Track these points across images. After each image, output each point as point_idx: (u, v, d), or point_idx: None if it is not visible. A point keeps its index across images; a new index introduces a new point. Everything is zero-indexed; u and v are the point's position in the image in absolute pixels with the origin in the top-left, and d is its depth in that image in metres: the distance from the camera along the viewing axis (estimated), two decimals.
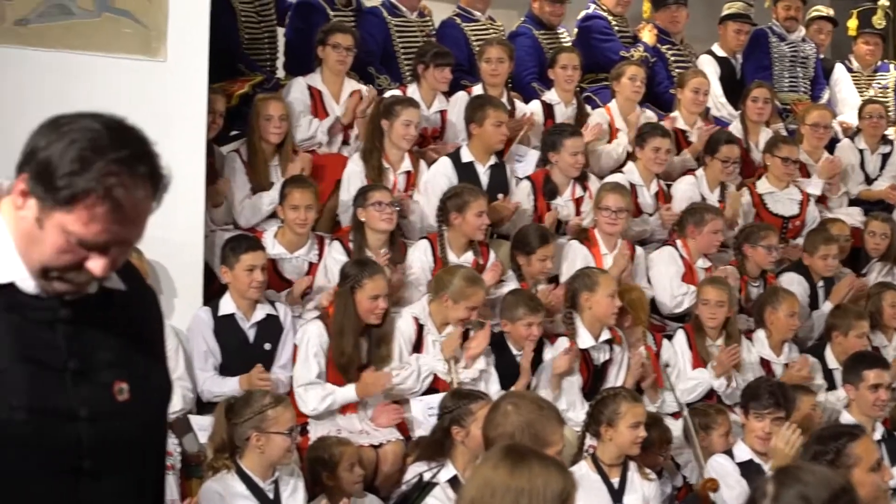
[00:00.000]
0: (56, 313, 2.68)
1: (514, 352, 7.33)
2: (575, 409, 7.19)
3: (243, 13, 8.95)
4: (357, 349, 7.00)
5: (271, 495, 5.87)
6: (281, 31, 9.41)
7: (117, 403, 2.72)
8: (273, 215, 7.88)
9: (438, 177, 8.25)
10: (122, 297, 2.82)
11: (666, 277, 8.33)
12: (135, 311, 2.86)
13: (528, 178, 8.64)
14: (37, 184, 2.56)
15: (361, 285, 6.96)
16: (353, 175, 8.10)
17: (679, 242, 8.49)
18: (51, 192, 2.54)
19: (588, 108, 9.51)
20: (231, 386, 6.82)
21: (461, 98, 8.91)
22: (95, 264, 2.61)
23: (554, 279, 8.12)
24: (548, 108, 9.25)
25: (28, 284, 2.66)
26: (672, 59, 10.46)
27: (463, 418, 6.17)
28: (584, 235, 8.26)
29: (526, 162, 8.88)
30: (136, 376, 2.77)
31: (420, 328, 7.25)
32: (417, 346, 7.23)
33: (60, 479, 2.63)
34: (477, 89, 8.96)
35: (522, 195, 8.51)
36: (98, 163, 2.52)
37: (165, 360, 3.02)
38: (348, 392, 6.91)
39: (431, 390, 7.10)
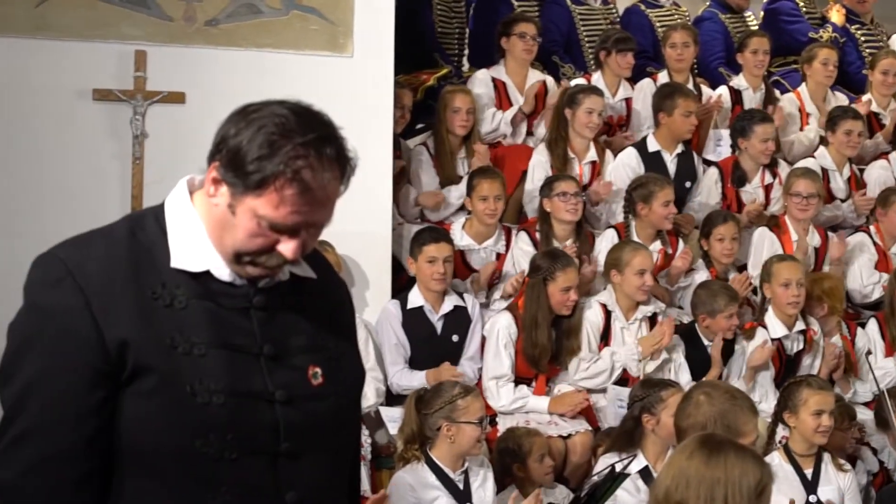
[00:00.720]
0: (250, 300, 2.74)
1: (705, 342, 7.24)
2: (767, 400, 7.07)
3: (438, 6, 9.03)
4: (548, 340, 7.00)
5: (461, 486, 5.86)
6: None
7: (312, 387, 2.77)
8: (460, 208, 7.91)
9: (624, 167, 8.19)
10: (312, 284, 2.88)
11: (857, 266, 8.14)
12: (326, 299, 2.91)
13: (716, 164, 8.52)
14: (227, 170, 2.63)
15: (554, 277, 6.94)
16: (539, 165, 8.08)
17: (872, 229, 8.29)
18: (241, 178, 2.60)
19: (777, 92, 9.32)
20: (419, 380, 6.85)
21: (646, 85, 8.83)
22: (286, 247, 2.66)
23: (743, 267, 8.00)
24: (736, 94, 9.10)
25: (222, 272, 2.72)
26: (862, 39, 10.20)
27: (654, 406, 6.13)
28: (773, 222, 8.11)
29: (724, 146, 8.74)
30: (330, 361, 2.82)
31: (608, 316, 7.21)
32: (606, 335, 7.19)
33: (259, 461, 2.68)
34: (662, 76, 8.88)
35: (710, 182, 8.40)
36: (286, 146, 2.57)
37: (357, 347, 3.06)
38: (541, 403, 6.90)
39: (619, 381, 7.07)
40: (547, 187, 7.61)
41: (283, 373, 2.74)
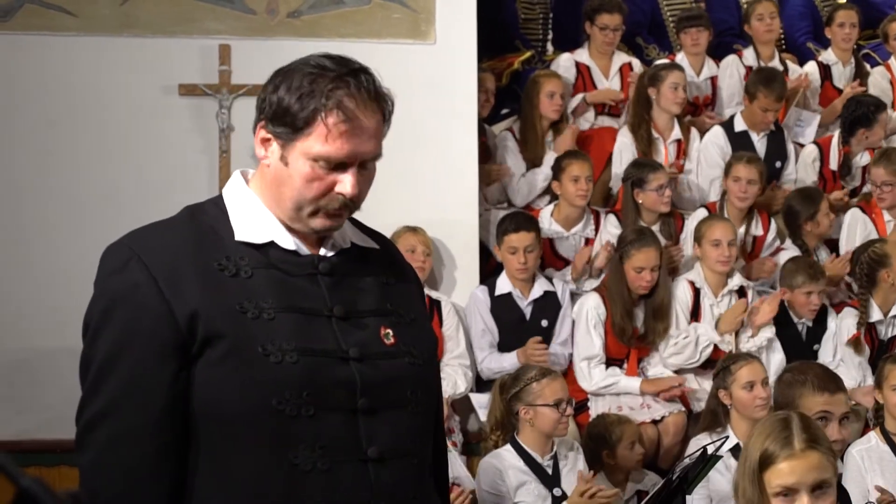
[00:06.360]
0: (315, 267, 2.78)
1: (795, 319, 7.17)
2: (865, 384, 6.96)
3: None
4: (630, 318, 6.95)
5: (550, 471, 5.83)
6: None
7: (385, 346, 2.79)
8: (545, 192, 7.88)
9: (712, 145, 8.12)
10: (376, 255, 2.92)
11: None
12: (389, 266, 2.94)
13: (815, 143, 8.40)
14: (274, 123, 2.71)
15: (629, 255, 6.91)
16: (624, 148, 8.03)
17: None
18: (288, 124, 2.69)
19: (867, 66, 9.16)
20: (510, 361, 6.84)
21: (732, 62, 8.75)
22: (344, 185, 2.71)
23: (834, 248, 7.89)
24: (824, 69, 8.96)
25: (286, 241, 2.77)
26: None
27: (725, 381, 6.11)
28: (866, 199, 7.98)
29: (808, 127, 8.63)
30: (400, 325, 2.84)
31: (696, 293, 7.16)
32: (696, 312, 7.15)
33: (338, 417, 2.69)
34: (748, 52, 8.78)
35: (807, 160, 8.28)
36: (324, 81, 2.66)
37: (427, 317, 3.09)
38: (632, 384, 6.87)
39: (711, 362, 7.00)
40: (640, 179, 7.54)
41: (355, 332, 2.76)
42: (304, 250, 2.79)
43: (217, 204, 2.83)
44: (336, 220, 2.77)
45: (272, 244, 2.76)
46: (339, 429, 2.69)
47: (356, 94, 2.67)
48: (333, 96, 2.65)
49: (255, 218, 2.78)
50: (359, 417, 2.72)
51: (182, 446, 2.68)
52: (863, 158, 8.27)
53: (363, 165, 2.74)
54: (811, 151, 8.32)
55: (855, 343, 7.08)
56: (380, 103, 2.73)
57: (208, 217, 2.79)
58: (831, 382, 4.66)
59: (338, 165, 2.70)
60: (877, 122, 8.18)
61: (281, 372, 2.64)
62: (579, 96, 8.43)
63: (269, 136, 2.73)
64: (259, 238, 2.76)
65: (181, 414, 2.66)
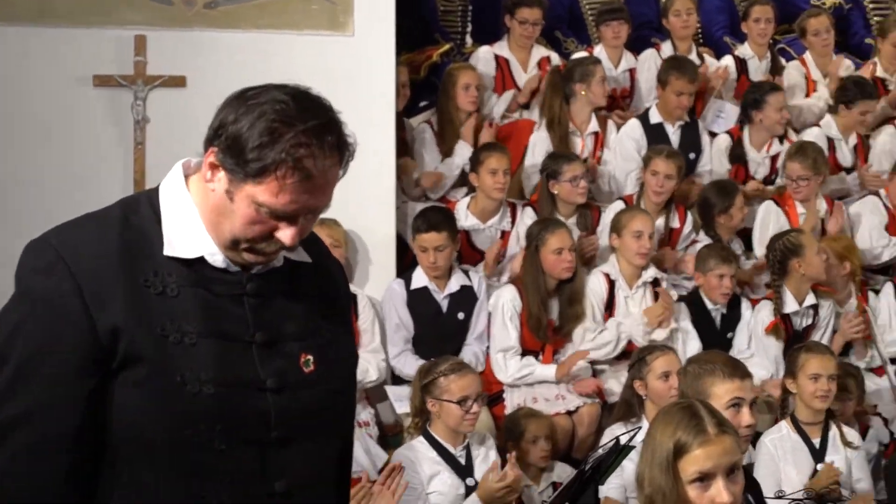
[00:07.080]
0: (243, 287, 2.73)
1: (710, 306, 7.25)
2: (778, 376, 7.04)
3: None
4: (546, 308, 6.98)
5: (463, 461, 5.83)
6: None
7: (304, 374, 2.76)
8: (460, 184, 7.90)
9: (627, 138, 8.18)
10: (307, 269, 2.86)
11: (867, 228, 8.04)
12: (320, 283, 2.89)
13: (727, 133, 8.49)
14: (227, 157, 2.60)
15: (544, 241, 6.93)
16: (540, 141, 8.04)
17: (882, 192, 8.21)
18: (241, 165, 2.58)
19: (783, 60, 9.26)
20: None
21: (650, 56, 8.82)
22: (285, 234, 2.65)
23: (748, 239, 7.99)
24: (741, 63, 9.04)
25: (216, 258, 2.71)
26: (870, 6, 10.09)
27: (641, 371, 6.17)
28: (781, 191, 8.07)
29: (726, 118, 8.70)
30: (322, 347, 2.80)
31: (612, 285, 7.20)
32: (610, 305, 7.19)
33: (249, 451, 2.68)
34: (665, 46, 8.85)
35: (720, 149, 8.37)
36: (287, 134, 2.55)
37: (351, 330, 3.06)
38: (547, 371, 6.89)
39: (624, 353, 7.05)
40: (555, 170, 7.56)
41: (275, 361, 2.73)
42: (234, 268, 2.73)
43: (152, 204, 2.72)
44: (269, 258, 2.73)
45: (202, 259, 2.70)
46: (249, 462, 2.68)
47: (318, 151, 2.58)
48: (293, 154, 2.55)
49: (187, 231, 2.69)
50: (270, 450, 2.70)
51: (96, 460, 2.65)
52: (773, 148, 8.36)
53: (310, 211, 2.68)
54: (723, 140, 8.44)
55: (774, 330, 7.15)
56: (341, 154, 2.64)
57: (141, 220, 2.70)
58: (738, 368, 4.71)
59: (284, 216, 2.64)
60: (766, 103, 8.27)
61: (197, 404, 2.61)
62: (509, 93, 8.46)
63: (219, 165, 2.64)
64: (188, 253, 2.69)
65: (98, 428, 2.62)
